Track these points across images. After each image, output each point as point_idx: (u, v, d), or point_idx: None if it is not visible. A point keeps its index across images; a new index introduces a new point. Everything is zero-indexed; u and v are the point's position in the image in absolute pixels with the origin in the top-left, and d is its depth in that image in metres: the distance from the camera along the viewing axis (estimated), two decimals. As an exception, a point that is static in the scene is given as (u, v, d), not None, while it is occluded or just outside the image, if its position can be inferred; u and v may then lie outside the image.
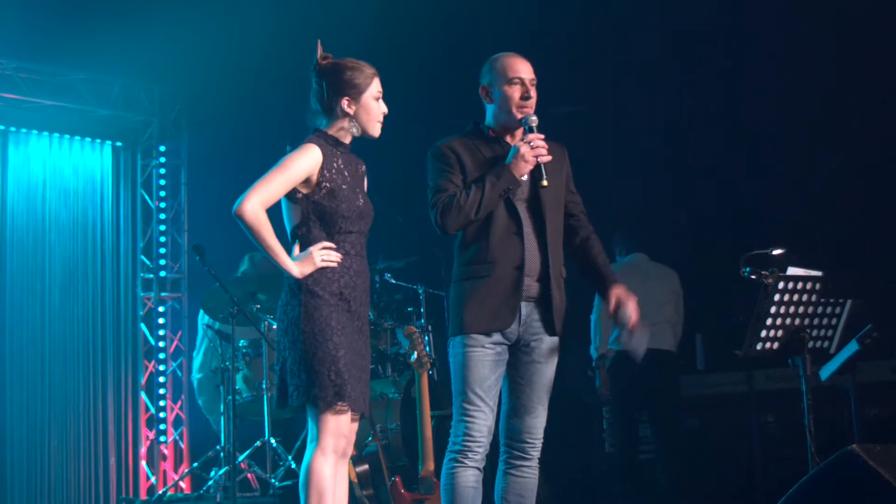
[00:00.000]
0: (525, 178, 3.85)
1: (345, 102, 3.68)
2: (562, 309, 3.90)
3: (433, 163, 3.90)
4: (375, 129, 3.74)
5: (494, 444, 3.92)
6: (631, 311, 3.91)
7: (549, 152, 3.85)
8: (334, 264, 3.63)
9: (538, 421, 3.88)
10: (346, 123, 3.71)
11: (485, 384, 3.79)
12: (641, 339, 4.06)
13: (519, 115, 3.87)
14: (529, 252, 3.83)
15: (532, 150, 3.78)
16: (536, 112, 3.90)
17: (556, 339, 3.91)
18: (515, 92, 3.87)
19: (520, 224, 3.83)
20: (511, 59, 3.92)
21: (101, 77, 8.13)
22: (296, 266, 3.59)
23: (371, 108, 3.71)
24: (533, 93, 3.89)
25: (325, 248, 3.63)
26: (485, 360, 3.80)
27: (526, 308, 3.84)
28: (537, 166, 3.80)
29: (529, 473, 3.89)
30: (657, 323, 6.52)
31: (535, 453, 3.89)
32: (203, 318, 7.42)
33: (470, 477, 3.81)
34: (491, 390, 3.81)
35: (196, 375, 7.64)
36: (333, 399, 3.55)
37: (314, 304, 3.59)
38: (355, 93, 3.68)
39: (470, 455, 3.80)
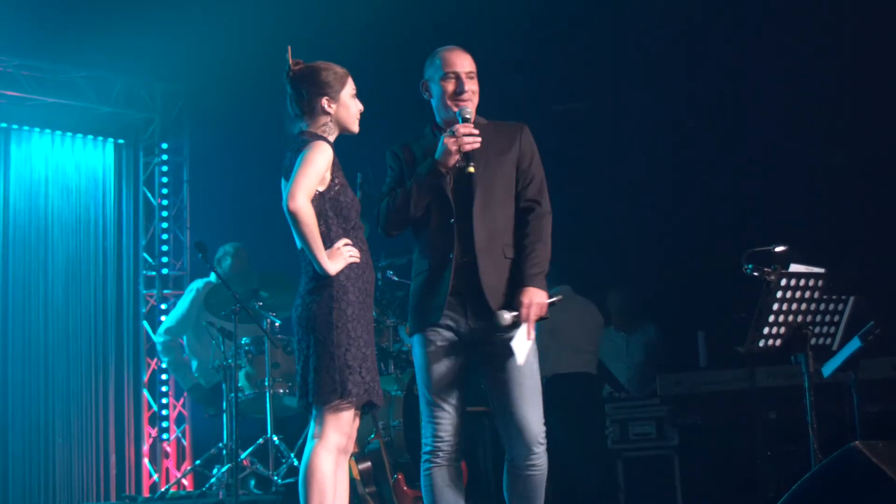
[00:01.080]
0: (459, 166, 3.79)
1: (325, 102, 3.74)
2: (497, 287, 3.77)
3: (386, 168, 3.95)
4: (355, 126, 3.82)
5: (498, 440, 3.91)
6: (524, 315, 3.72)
7: (502, 133, 3.88)
8: (358, 260, 3.67)
9: (533, 411, 3.80)
10: (327, 122, 3.75)
11: (443, 383, 3.79)
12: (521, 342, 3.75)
13: (454, 109, 3.87)
14: (462, 241, 3.78)
15: (456, 140, 3.75)
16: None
17: (516, 329, 3.74)
18: (449, 85, 3.88)
19: (451, 214, 3.80)
20: (446, 53, 3.93)
21: (102, 74, 8.12)
22: (331, 263, 3.60)
23: (349, 105, 3.78)
24: (469, 86, 3.88)
25: (346, 244, 3.66)
26: (439, 357, 3.78)
27: (471, 301, 3.77)
28: (465, 155, 3.77)
29: (535, 470, 3.82)
30: (586, 351, 6.91)
31: (538, 448, 3.81)
32: (194, 290, 7.40)
33: (446, 475, 3.82)
34: (451, 388, 3.80)
35: (160, 339, 7.53)
36: (364, 396, 3.61)
37: (347, 301, 3.62)
38: (333, 92, 3.74)
39: (441, 455, 3.81)
